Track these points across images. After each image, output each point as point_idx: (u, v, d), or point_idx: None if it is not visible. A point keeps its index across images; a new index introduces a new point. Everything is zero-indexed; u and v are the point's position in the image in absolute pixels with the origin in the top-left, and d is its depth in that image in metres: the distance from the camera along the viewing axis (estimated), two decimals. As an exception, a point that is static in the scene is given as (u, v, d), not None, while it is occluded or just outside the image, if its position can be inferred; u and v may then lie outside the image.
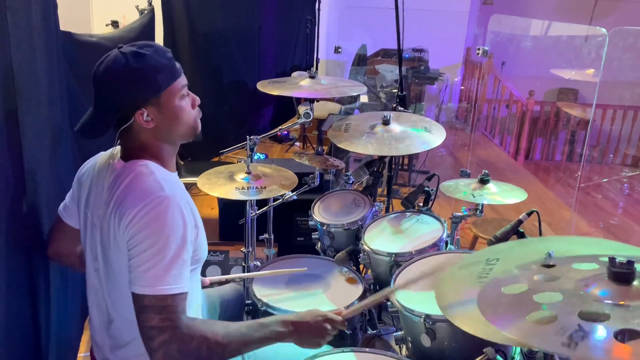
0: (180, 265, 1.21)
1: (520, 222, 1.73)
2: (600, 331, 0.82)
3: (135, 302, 1.20)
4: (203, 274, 2.65)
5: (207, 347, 1.19)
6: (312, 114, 2.16)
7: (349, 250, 2.11)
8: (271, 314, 1.76)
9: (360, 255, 2.01)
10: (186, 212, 1.24)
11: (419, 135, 2.14)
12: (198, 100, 1.38)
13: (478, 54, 3.73)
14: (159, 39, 3.83)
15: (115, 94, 1.26)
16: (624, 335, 0.81)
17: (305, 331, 1.33)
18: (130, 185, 1.26)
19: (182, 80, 1.33)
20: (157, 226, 1.19)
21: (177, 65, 1.33)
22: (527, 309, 0.90)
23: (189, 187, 4.04)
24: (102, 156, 1.41)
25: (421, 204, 2.19)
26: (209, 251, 2.66)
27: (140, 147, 1.32)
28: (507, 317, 0.91)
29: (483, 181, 2.11)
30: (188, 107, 1.34)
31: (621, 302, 0.87)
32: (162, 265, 1.18)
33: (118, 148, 1.37)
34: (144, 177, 1.26)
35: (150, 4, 3.51)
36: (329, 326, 1.36)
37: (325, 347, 1.54)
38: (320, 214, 2.33)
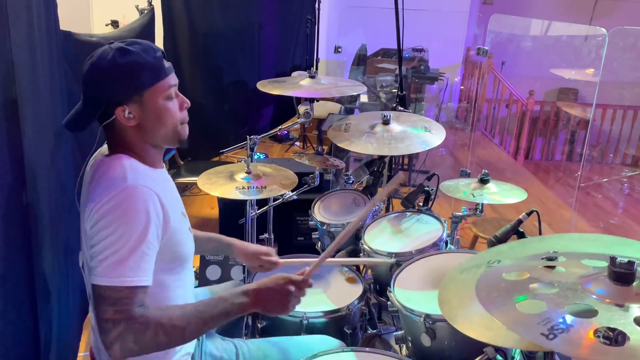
0: (139, 258, 1.17)
1: (520, 221, 1.73)
2: (582, 327, 0.82)
3: (93, 293, 1.17)
4: (203, 274, 2.66)
5: (164, 332, 1.17)
6: (312, 114, 2.17)
7: (349, 250, 2.11)
8: (271, 314, 1.76)
9: (361, 254, 2.01)
10: (151, 205, 1.20)
11: (419, 135, 2.14)
12: (187, 103, 1.35)
13: (478, 53, 3.73)
14: (159, 39, 3.83)
15: (97, 88, 1.26)
16: (618, 336, 0.82)
17: (268, 297, 1.30)
18: (100, 178, 1.25)
19: (171, 80, 1.31)
20: (115, 215, 1.17)
21: (167, 64, 1.31)
22: (519, 296, 0.91)
23: (189, 187, 4.06)
24: (98, 152, 1.41)
25: (421, 204, 2.19)
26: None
27: (123, 144, 1.31)
28: (498, 301, 0.92)
29: (483, 181, 2.11)
30: (174, 109, 1.31)
31: (607, 301, 0.87)
32: (119, 255, 1.15)
33: (104, 149, 1.36)
34: (112, 170, 1.25)
35: (150, 3, 3.51)
36: (292, 288, 1.32)
37: (325, 348, 1.55)
38: (320, 213, 2.33)
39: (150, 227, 1.19)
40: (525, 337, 0.83)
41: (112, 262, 1.15)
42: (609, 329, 0.82)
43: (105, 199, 1.18)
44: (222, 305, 1.26)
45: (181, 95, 1.35)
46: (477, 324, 1.00)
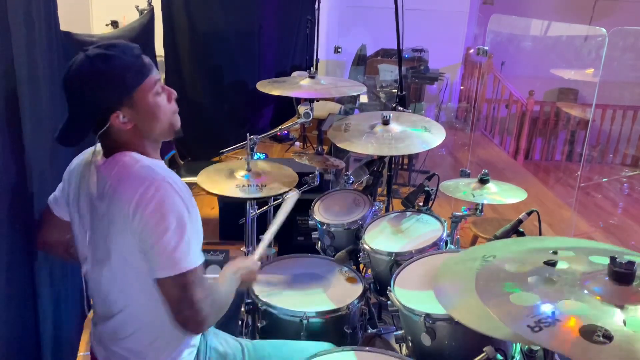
0: (197, 239, 1.25)
1: (520, 221, 1.73)
2: (569, 322, 0.82)
3: (162, 286, 1.24)
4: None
5: (222, 304, 1.35)
6: (312, 114, 2.17)
7: (349, 250, 2.11)
8: (271, 314, 1.76)
9: (360, 254, 2.01)
10: (183, 187, 1.27)
11: (418, 135, 2.14)
12: (175, 94, 1.36)
13: (478, 53, 3.74)
14: (159, 39, 3.83)
15: (86, 99, 1.24)
16: (603, 335, 0.82)
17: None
18: (121, 176, 1.25)
19: (154, 76, 1.30)
20: (165, 210, 1.21)
21: (147, 60, 1.30)
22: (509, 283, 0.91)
23: (189, 187, 4.06)
24: (89, 152, 1.40)
25: (421, 204, 2.19)
26: (209, 251, 2.67)
27: (122, 146, 1.31)
28: (494, 291, 0.92)
29: (483, 181, 2.11)
30: (164, 103, 1.32)
31: (604, 300, 0.87)
32: (183, 244, 1.21)
33: (93, 151, 1.36)
34: (131, 166, 1.26)
35: (150, 4, 3.51)
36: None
37: (325, 347, 1.55)
38: (320, 213, 2.33)
39: (190, 210, 1.25)
40: (511, 328, 0.83)
41: (172, 251, 1.21)
42: (597, 326, 0.82)
43: (146, 198, 1.21)
44: (235, 281, 1.48)
45: (167, 87, 1.35)
46: (472, 314, 1.00)
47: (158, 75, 1.32)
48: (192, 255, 1.23)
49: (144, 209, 1.20)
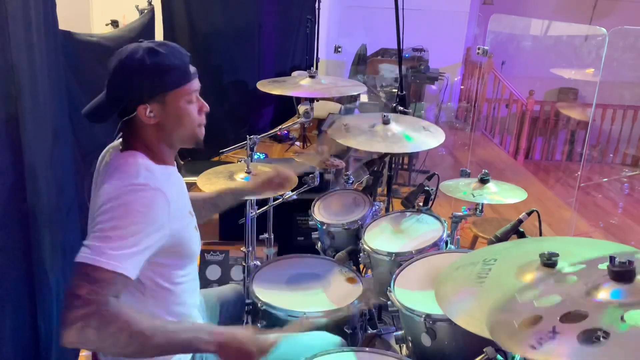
0: (128, 249, 1.16)
1: (520, 221, 1.72)
2: (569, 331, 0.81)
3: (75, 269, 1.15)
4: (203, 274, 2.66)
5: (128, 334, 1.13)
6: (312, 114, 2.16)
7: (349, 250, 2.11)
8: (271, 314, 1.76)
9: (361, 254, 2.01)
10: (159, 205, 1.22)
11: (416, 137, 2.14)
12: (207, 108, 1.40)
13: (478, 53, 3.73)
14: (159, 38, 3.83)
15: (123, 84, 1.29)
16: (599, 336, 0.81)
17: (230, 348, 1.24)
18: (114, 171, 1.27)
19: (194, 85, 1.35)
20: (118, 205, 1.18)
21: (192, 69, 1.35)
22: (521, 315, 0.91)
23: (189, 186, 4.06)
24: (113, 144, 1.43)
25: (421, 204, 2.19)
26: (209, 251, 2.68)
27: (139, 140, 1.34)
28: (503, 321, 0.92)
29: (483, 181, 2.11)
30: (193, 113, 1.36)
31: (598, 299, 0.86)
32: (111, 239, 1.15)
33: (117, 142, 1.38)
34: (127, 165, 1.28)
35: (150, 3, 3.51)
36: (254, 351, 1.26)
37: (324, 345, 1.55)
38: (320, 213, 2.33)
39: (148, 229, 1.20)
40: (515, 351, 0.83)
41: (101, 243, 1.15)
42: (596, 329, 0.81)
43: (115, 190, 1.21)
44: (188, 334, 1.22)
45: (201, 99, 1.39)
46: (475, 318, 0.99)
47: (198, 86, 1.37)
48: (121, 259, 1.15)
49: (106, 196, 1.20)
